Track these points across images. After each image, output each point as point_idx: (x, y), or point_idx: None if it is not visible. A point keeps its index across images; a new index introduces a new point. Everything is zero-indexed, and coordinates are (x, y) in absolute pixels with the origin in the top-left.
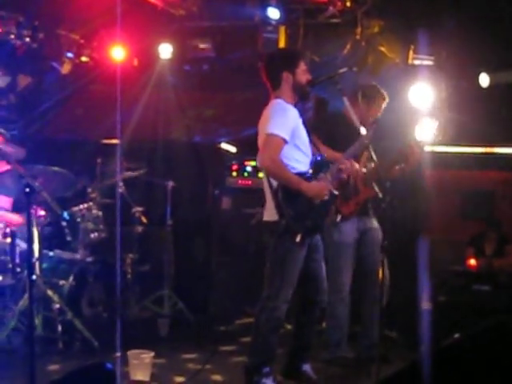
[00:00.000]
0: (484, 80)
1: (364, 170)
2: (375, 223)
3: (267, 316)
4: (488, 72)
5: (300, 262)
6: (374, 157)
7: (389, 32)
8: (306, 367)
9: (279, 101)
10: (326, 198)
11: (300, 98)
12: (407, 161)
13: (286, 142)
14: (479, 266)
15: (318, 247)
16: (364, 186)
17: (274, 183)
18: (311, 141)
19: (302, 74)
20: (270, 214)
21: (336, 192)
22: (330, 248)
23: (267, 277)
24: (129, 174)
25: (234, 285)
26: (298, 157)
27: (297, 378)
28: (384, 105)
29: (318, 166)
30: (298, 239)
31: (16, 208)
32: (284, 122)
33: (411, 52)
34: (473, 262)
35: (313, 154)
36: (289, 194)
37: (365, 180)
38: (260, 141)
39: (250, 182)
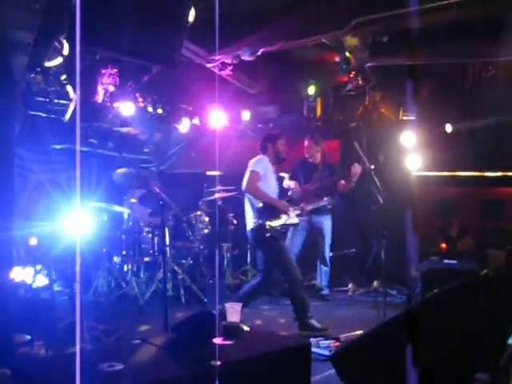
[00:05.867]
0: (448, 128)
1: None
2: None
3: (294, 284)
4: (451, 123)
5: (285, 246)
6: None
7: (387, 99)
8: (312, 321)
9: (260, 156)
10: (289, 215)
11: (276, 161)
12: (351, 176)
13: (259, 175)
14: (447, 248)
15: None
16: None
17: (256, 203)
18: (279, 183)
19: (280, 145)
20: (249, 223)
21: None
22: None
23: (280, 268)
24: (225, 193)
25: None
26: (269, 190)
27: (310, 329)
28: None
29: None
30: (267, 234)
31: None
32: (259, 164)
33: (401, 111)
34: (443, 245)
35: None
36: (268, 209)
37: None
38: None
39: None
